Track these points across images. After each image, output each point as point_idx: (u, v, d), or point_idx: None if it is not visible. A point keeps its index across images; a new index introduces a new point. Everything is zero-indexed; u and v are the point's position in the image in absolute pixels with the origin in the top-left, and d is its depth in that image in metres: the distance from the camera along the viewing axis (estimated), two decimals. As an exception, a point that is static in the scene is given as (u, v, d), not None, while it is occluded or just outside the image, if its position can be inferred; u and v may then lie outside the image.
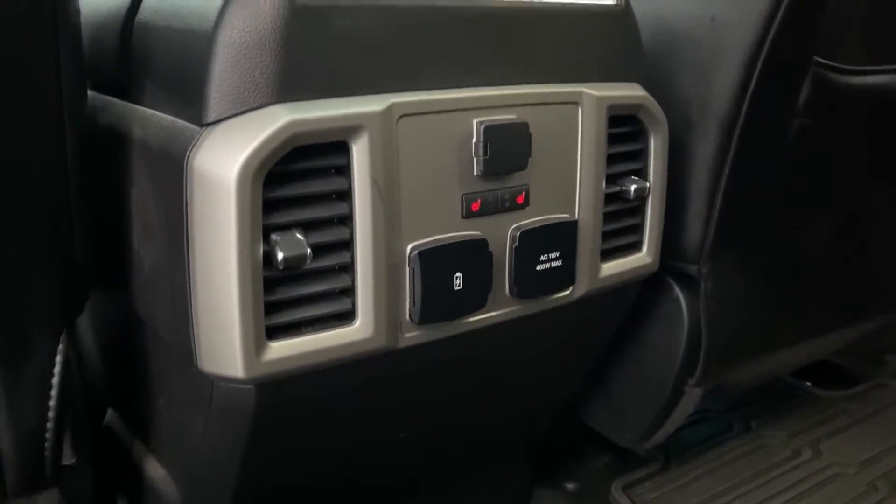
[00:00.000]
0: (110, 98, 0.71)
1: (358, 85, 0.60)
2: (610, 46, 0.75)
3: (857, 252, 1.10)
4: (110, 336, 0.87)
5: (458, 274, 0.65)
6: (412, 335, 0.65)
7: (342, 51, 0.59)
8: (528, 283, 0.71)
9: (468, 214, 0.66)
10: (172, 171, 0.59)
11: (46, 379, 0.64)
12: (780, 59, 0.81)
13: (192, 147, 0.57)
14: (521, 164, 0.68)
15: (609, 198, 0.76)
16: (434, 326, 0.66)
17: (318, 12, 0.57)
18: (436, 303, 0.65)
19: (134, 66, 0.68)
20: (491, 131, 0.65)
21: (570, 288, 0.75)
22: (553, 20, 0.70)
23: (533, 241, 0.70)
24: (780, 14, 0.78)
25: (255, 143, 0.55)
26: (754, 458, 1.16)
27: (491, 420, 0.90)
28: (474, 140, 0.65)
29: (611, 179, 0.76)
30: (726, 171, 0.85)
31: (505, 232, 0.69)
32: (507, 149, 0.66)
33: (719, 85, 0.82)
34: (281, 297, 0.59)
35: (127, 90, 0.69)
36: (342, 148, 0.59)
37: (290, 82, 0.57)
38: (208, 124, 0.57)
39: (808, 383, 1.38)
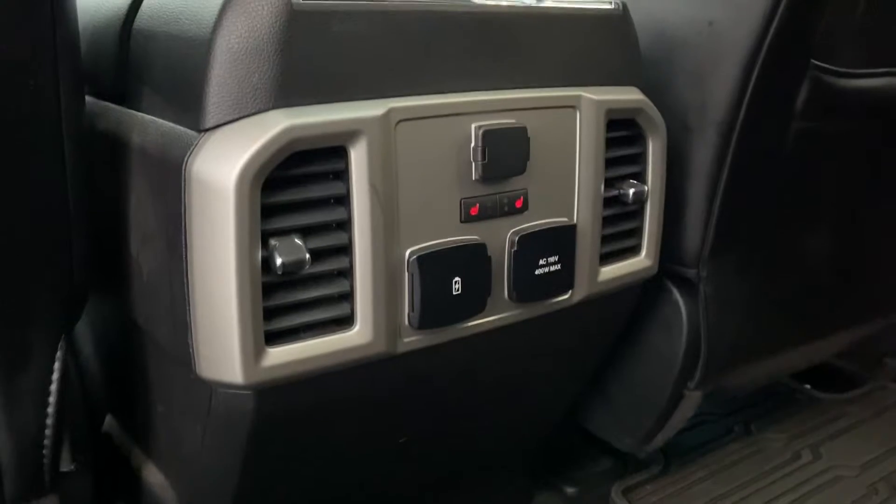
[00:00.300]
0: (108, 104, 0.71)
1: (356, 90, 0.60)
2: (608, 50, 0.75)
3: (855, 255, 1.11)
4: (109, 342, 0.87)
5: (457, 279, 0.65)
6: (411, 340, 0.65)
7: (340, 56, 0.59)
8: (527, 288, 0.71)
9: (467, 219, 0.66)
10: (171, 176, 0.59)
11: (45, 385, 0.64)
12: (778, 62, 0.81)
13: (191, 153, 0.57)
14: (520, 168, 0.68)
15: (608, 201, 0.76)
16: (433, 331, 0.66)
17: (315, 17, 0.57)
18: (435, 308, 0.65)
19: (132, 72, 0.68)
20: (489, 136, 0.65)
21: (569, 292, 0.75)
22: (551, 24, 0.70)
23: (532, 246, 0.70)
24: (777, 18, 0.78)
25: (254, 148, 0.55)
26: (754, 461, 1.16)
27: (490, 425, 0.90)
28: (473, 144, 0.65)
29: (609, 183, 0.76)
30: (725, 174, 0.85)
31: (504, 236, 0.69)
32: (506, 153, 0.66)
33: (717, 89, 0.82)
34: (280, 302, 0.59)
35: (125, 96, 0.69)
36: (340, 153, 0.59)
37: (288, 87, 0.57)
38: (206, 130, 0.57)
39: (808, 386, 1.38)
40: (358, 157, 0.59)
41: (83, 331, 0.89)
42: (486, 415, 0.87)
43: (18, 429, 0.64)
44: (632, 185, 0.78)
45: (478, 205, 0.66)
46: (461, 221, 0.66)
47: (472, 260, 0.66)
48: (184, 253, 0.58)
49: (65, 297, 0.64)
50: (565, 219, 0.73)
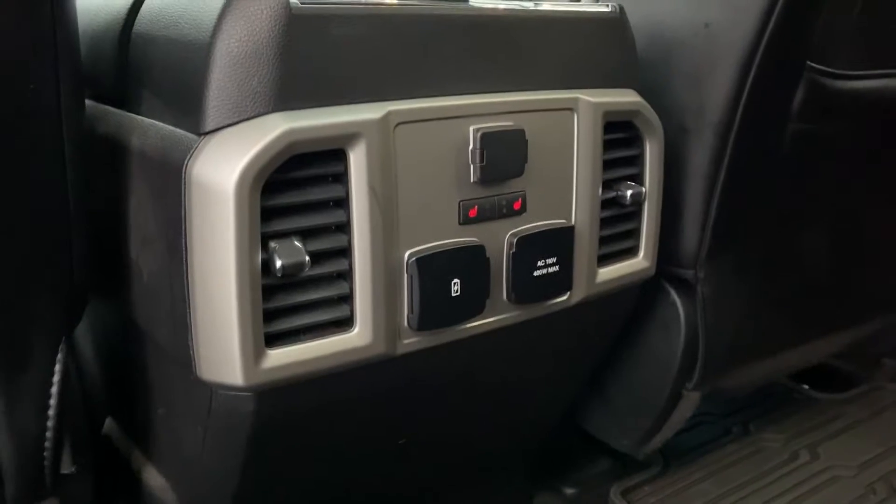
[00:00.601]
0: (108, 107, 0.72)
1: (355, 93, 0.60)
2: (605, 53, 0.75)
3: (852, 255, 1.11)
4: (109, 344, 0.87)
5: (456, 280, 0.66)
6: (410, 341, 0.66)
7: (339, 59, 0.59)
8: (526, 289, 0.71)
9: (465, 221, 0.66)
10: (171, 179, 0.59)
11: (46, 388, 0.64)
12: (774, 64, 0.81)
13: (191, 156, 0.57)
14: (518, 170, 0.68)
15: (605, 203, 0.77)
16: (432, 333, 0.67)
17: (314, 21, 0.58)
18: (434, 309, 0.65)
19: (132, 76, 0.68)
20: (487, 138, 0.65)
21: (568, 293, 0.75)
22: (549, 27, 0.71)
23: (530, 247, 0.70)
24: (773, 20, 0.79)
25: (253, 151, 0.55)
26: (753, 462, 1.16)
27: (490, 426, 0.90)
28: (471, 147, 0.65)
29: (607, 185, 0.77)
30: (722, 175, 0.85)
31: (502, 238, 0.69)
32: (504, 155, 0.67)
33: (714, 90, 0.82)
34: (279, 304, 0.59)
35: (125, 100, 0.69)
36: (340, 156, 0.59)
37: (288, 91, 0.57)
38: (206, 133, 0.57)
39: (806, 386, 1.38)
40: (357, 160, 0.59)
41: (83, 333, 0.89)
42: (485, 416, 0.87)
43: (19, 431, 0.64)
44: (629, 187, 0.78)
45: (476, 207, 0.67)
46: (460, 223, 0.66)
47: (471, 262, 0.67)
48: (184, 255, 0.59)
49: (65, 300, 0.65)
50: (563, 220, 0.73)
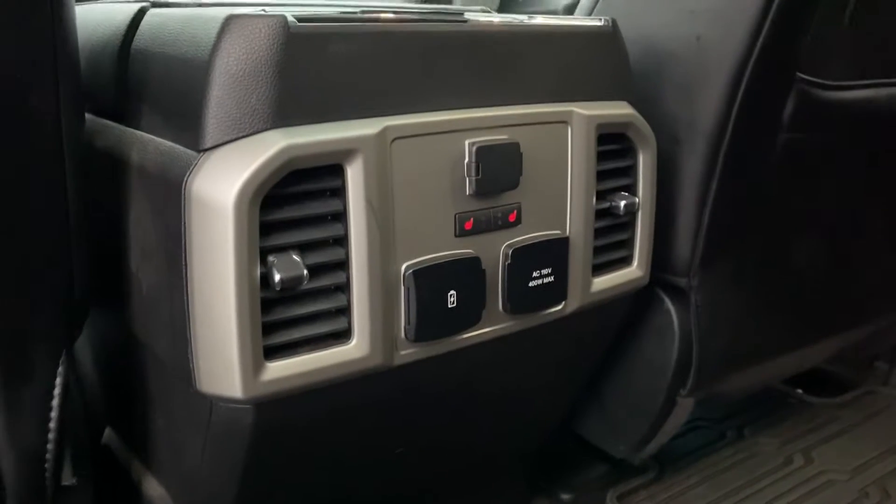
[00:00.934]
0: (107, 122, 0.72)
1: (352, 109, 0.61)
2: (598, 66, 0.76)
3: (844, 261, 1.12)
4: (108, 356, 0.88)
5: (452, 292, 0.66)
6: (408, 353, 0.66)
7: (336, 76, 0.60)
8: (522, 300, 0.72)
9: (461, 233, 0.67)
10: (171, 195, 0.60)
11: (47, 400, 0.65)
12: (765, 76, 0.82)
13: (191, 172, 0.58)
14: (513, 183, 0.69)
15: (599, 214, 0.78)
16: (429, 344, 0.67)
17: (312, 39, 0.59)
18: (430, 320, 0.66)
19: (131, 92, 0.69)
20: (483, 152, 0.66)
21: (563, 303, 0.76)
22: (542, 42, 0.72)
23: (525, 258, 0.71)
24: (763, 33, 0.80)
25: (252, 168, 0.56)
26: (747, 466, 1.17)
27: (487, 434, 0.91)
28: (466, 160, 0.66)
29: (601, 196, 0.78)
30: (714, 185, 0.86)
31: (498, 249, 0.70)
32: (499, 168, 0.68)
33: (706, 102, 0.83)
34: (278, 317, 0.60)
35: (124, 115, 0.70)
36: (337, 171, 0.60)
37: (286, 108, 0.58)
38: (206, 150, 0.58)
39: (800, 391, 1.39)
40: (354, 175, 0.60)
41: (82, 344, 0.90)
42: (482, 424, 0.88)
43: (20, 443, 0.64)
44: (623, 198, 0.79)
45: (472, 219, 0.68)
46: (456, 236, 0.67)
47: (467, 273, 0.68)
48: (184, 269, 0.59)
49: (66, 313, 0.65)
50: (558, 231, 0.74)
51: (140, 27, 0.69)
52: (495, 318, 0.71)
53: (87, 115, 0.70)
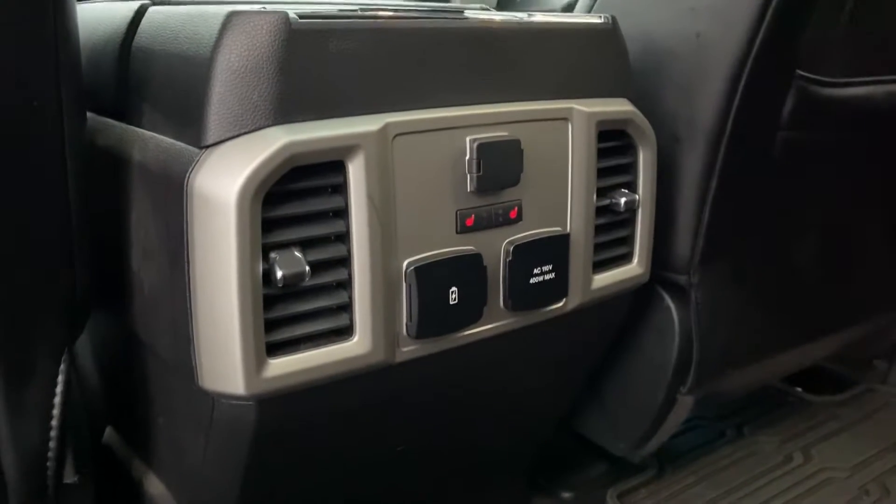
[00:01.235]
0: (108, 120, 0.72)
1: (353, 105, 0.61)
2: (599, 63, 0.76)
3: (844, 259, 1.12)
4: (108, 355, 0.88)
5: (454, 288, 0.67)
6: (409, 349, 0.67)
7: (338, 73, 0.60)
8: (522, 296, 0.72)
9: (462, 230, 0.67)
10: (172, 192, 0.60)
11: (48, 399, 0.65)
12: (764, 73, 0.83)
13: (192, 169, 0.58)
14: (514, 179, 0.69)
15: (600, 211, 0.78)
16: (431, 340, 0.67)
17: (313, 36, 0.59)
18: (432, 317, 0.66)
19: (132, 89, 0.69)
20: (484, 148, 0.66)
21: (564, 300, 0.76)
22: (543, 39, 0.72)
23: (526, 255, 0.71)
24: (762, 30, 0.80)
25: (254, 164, 0.56)
26: (747, 464, 1.17)
27: (487, 431, 0.91)
28: (467, 157, 0.66)
29: (601, 193, 0.78)
30: (713, 182, 0.86)
31: (499, 246, 0.70)
32: (500, 165, 0.68)
33: (705, 99, 0.84)
34: (280, 314, 0.60)
35: (125, 112, 0.70)
36: (339, 167, 0.60)
37: (288, 104, 0.58)
38: (208, 146, 0.58)
39: (799, 389, 1.40)
40: (356, 171, 0.60)
41: (82, 344, 0.90)
42: (482, 421, 0.88)
43: (22, 442, 0.64)
44: (623, 195, 0.79)
45: (473, 216, 0.68)
46: (457, 232, 0.67)
47: (468, 270, 0.68)
48: (186, 267, 0.59)
49: (68, 312, 0.65)
50: (559, 228, 0.74)
51: (141, 25, 0.69)
52: (496, 314, 0.72)
53: (88, 114, 0.70)
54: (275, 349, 0.60)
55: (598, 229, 0.78)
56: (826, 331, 1.19)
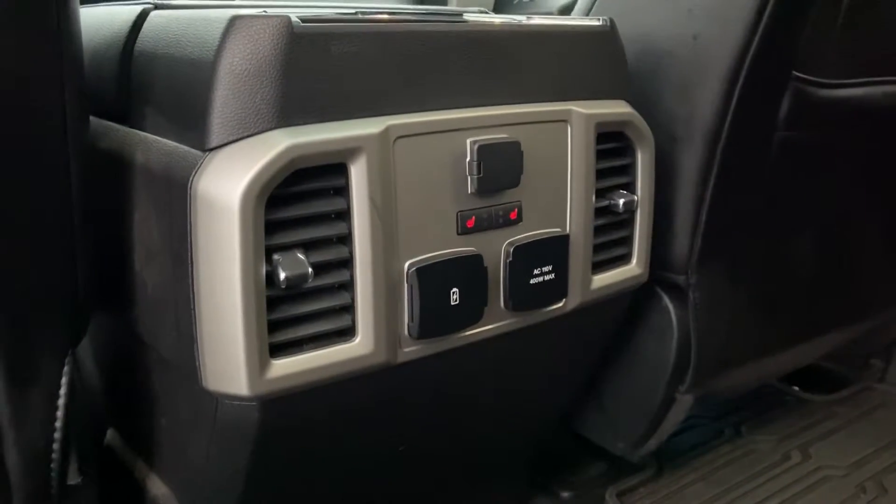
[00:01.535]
0: (110, 123, 0.73)
1: (355, 108, 0.62)
2: (597, 65, 0.77)
3: (841, 259, 1.13)
4: (110, 356, 0.88)
5: (455, 289, 0.67)
6: (411, 350, 0.67)
7: (339, 76, 0.61)
8: (523, 297, 0.73)
9: (463, 231, 0.68)
10: (176, 194, 0.60)
11: (52, 401, 0.65)
12: (761, 75, 0.83)
13: (196, 172, 0.59)
14: (514, 181, 0.70)
15: (599, 211, 0.78)
16: (432, 341, 0.68)
17: (315, 40, 0.59)
18: (433, 318, 0.66)
19: (134, 93, 0.69)
20: (484, 150, 0.67)
21: (563, 300, 0.77)
22: (542, 41, 0.72)
23: (526, 256, 0.72)
24: (759, 32, 0.81)
25: (257, 167, 0.56)
26: (745, 463, 1.18)
27: (487, 430, 0.91)
28: (468, 159, 0.67)
29: (600, 194, 0.78)
30: (711, 183, 0.87)
31: (499, 247, 0.71)
32: (500, 167, 0.68)
33: (702, 101, 0.84)
34: (283, 315, 0.60)
35: (127, 115, 0.70)
36: (341, 169, 0.61)
37: (290, 108, 0.59)
38: (211, 149, 0.59)
39: (796, 388, 1.40)
40: (358, 174, 0.61)
41: (82, 344, 0.90)
42: (482, 421, 0.88)
43: (27, 443, 0.65)
44: (622, 195, 0.80)
45: (474, 217, 0.68)
46: (458, 234, 0.68)
47: (469, 271, 0.68)
48: (190, 269, 0.60)
49: (71, 314, 0.66)
50: (558, 229, 0.75)
51: (143, 29, 0.69)
52: (497, 315, 0.72)
53: (90, 117, 0.71)
54: (278, 350, 0.61)
55: (597, 230, 0.79)
56: (823, 330, 1.19)
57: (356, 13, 0.64)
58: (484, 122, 0.68)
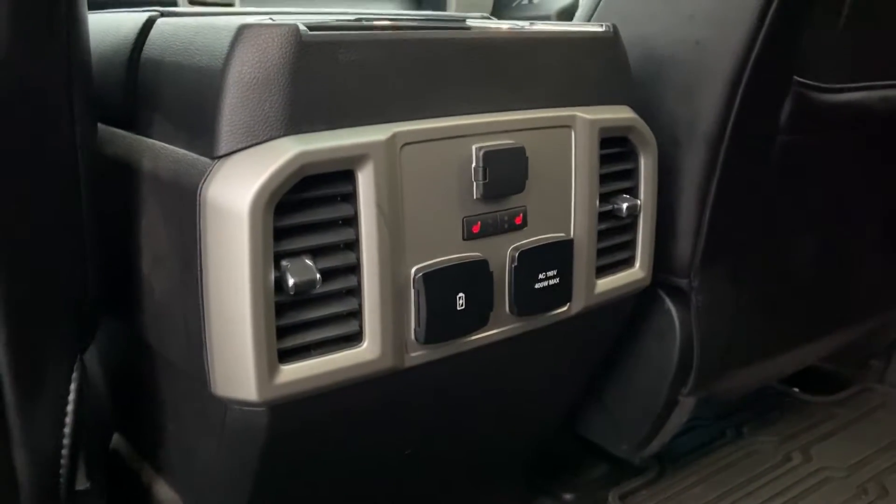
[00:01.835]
0: (117, 130, 0.73)
1: (362, 115, 0.62)
2: (600, 71, 0.78)
3: (841, 261, 1.14)
4: (116, 361, 0.88)
5: (461, 294, 0.68)
6: (417, 355, 0.67)
7: (347, 83, 0.61)
8: (528, 301, 0.73)
9: (469, 236, 0.68)
10: (185, 202, 0.60)
11: (61, 406, 0.66)
12: (763, 79, 0.84)
13: (205, 179, 0.59)
14: (519, 186, 0.70)
15: (602, 216, 0.79)
16: (438, 346, 0.68)
17: (323, 48, 0.60)
18: (440, 323, 0.67)
19: (141, 100, 0.70)
20: (489, 156, 0.67)
21: (568, 304, 0.77)
22: (545, 48, 0.73)
23: (531, 261, 0.72)
24: (761, 36, 0.81)
25: (266, 174, 0.57)
26: (746, 465, 1.18)
27: (492, 433, 0.92)
28: (474, 165, 0.67)
29: (604, 198, 0.79)
30: (713, 187, 0.88)
31: (504, 252, 0.71)
32: (505, 172, 0.69)
33: (705, 105, 0.85)
34: (292, 321, 0.61)
35: (134, 122, 0.71)
36: (348, 176, 0.61)
37: (298, 115, 0.59)
38: (220, 157, 0.59)
39: (797, 389, 1.41)
40: (365, 180, 0.61)
41: (90, 349, 0.90)
42: (486, 423, 0.89)
43: (36, 449, 0.65)
44: (625, 200, 0.80)
45: (479, 222, 0.69)
46: (464, 239, 0.68)
47: (475, 276, 0.69)
48: (199, 275, 0.60)
49: (79, 319, 0.66)
50: (563, 234, 0.75)
51: (150, 36, 0.70)
52: (502, 319, 0.73)
53: (98, 124, 0.71)
54: (286, 355, 0.61)
55: (601, 234, 0.79)
56: (824, 331, 1.20)
57: (359, 19, 0.65)
58: (489, 129, 0.68)
